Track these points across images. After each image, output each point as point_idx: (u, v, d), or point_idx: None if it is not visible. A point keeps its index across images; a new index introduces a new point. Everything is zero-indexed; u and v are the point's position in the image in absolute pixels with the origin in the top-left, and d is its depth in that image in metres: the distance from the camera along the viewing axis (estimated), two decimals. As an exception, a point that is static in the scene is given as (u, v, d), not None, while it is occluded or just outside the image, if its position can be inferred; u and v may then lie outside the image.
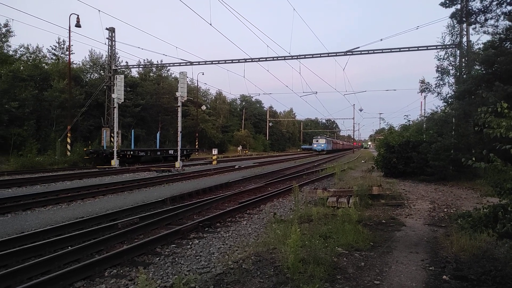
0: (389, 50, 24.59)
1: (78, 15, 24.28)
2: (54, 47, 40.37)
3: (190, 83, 46.00)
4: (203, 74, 67.27)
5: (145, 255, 5.83)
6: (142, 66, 43.07)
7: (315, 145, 67.22)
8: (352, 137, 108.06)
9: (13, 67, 27.90)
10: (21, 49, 34.64)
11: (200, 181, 16.73)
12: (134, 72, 48.84)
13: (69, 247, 6.02)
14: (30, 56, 35.41)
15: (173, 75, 53.07)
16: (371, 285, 4.41)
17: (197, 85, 52.68)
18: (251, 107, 78.92)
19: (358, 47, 25.00)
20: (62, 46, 40.10)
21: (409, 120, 21.77)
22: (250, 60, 28.02)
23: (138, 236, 7.01)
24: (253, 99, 78.44)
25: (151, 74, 51.33)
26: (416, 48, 23.68)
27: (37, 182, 14.67)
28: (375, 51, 24.85)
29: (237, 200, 11.28)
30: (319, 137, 70.13)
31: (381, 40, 26.96)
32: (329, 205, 9.30)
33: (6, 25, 28.72)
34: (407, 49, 24.14)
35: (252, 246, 5.95)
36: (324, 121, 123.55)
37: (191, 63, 29.72)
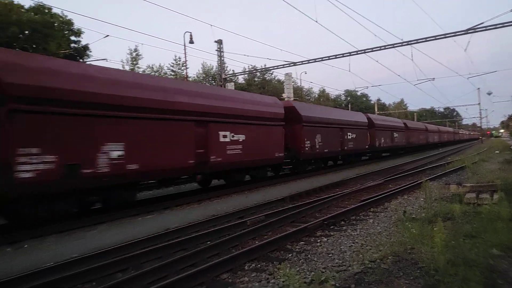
0: (525, 20, 20.82)
1: (191, 33, 26.73)
2: (172, 64, 45.29)
3: (293, 83, 46.49)
4: (305, 73, 67.38)
5: (278, 251, 6.01)
6: (247, 72, 45.18)
7: None
8: (479, 125, 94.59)
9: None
10: (148, 69, 39.72)
11: (314, 179, 16.67)
12: (241, 79, 51.55)
13: (208, 242, 6.59)
14: (154, 74, 40.31)
15: (276, 78, 54.43)
16: (546, 293, 3.74)
17: (300, 85, 52.96)
18: (357, 102, 75.89)
19: (482, 23, 21.69)
20: (179, 62, 44.70)
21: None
22: (355, 52, 26.83)
23: (267, 233, 7.28)
24: (358, 93, 75.37)
25: (256, 79, 53.53)
26: None
27: (170, 184, 16.51)
28: (504, 25, 21.21)
29: (357, 197, 10.89)
30: None
31: (512, 11, 22.91)
32: (467, 202, 8.29)
33: (135, 50, 33.29)
34: (550, 14, 20.05)
35: (387, 245, 5.63)
36: (442, 109, 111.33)
37: (294, 64, 29.86)
